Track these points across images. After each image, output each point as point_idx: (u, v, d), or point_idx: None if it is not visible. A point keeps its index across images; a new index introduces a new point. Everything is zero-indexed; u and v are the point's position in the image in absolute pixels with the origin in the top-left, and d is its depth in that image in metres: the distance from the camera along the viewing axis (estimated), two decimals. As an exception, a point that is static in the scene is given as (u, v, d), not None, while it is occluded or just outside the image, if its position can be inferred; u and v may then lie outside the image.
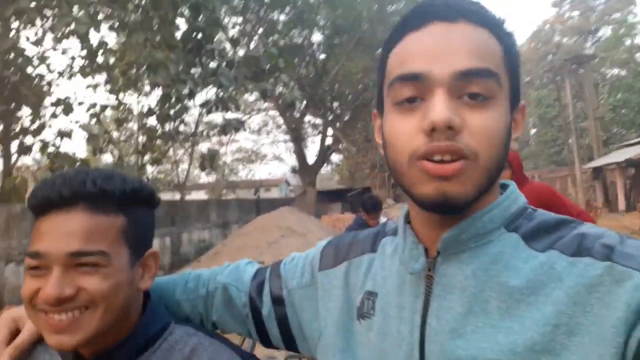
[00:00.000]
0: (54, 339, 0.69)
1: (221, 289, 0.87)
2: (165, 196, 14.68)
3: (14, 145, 9.28)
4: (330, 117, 20.44)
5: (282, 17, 17.60)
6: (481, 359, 0.54)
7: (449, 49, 0.57)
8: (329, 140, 21.91)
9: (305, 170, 20.78)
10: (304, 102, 19.08)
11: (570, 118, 21.68)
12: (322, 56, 19.09)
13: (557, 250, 0.57)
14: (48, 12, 8.24)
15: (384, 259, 0.71)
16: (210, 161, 10.42)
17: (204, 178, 32.36)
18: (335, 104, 20.42)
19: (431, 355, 0.58)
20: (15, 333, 0.81)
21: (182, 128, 10.13)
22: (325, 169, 30.17)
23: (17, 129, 9.14)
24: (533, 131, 36.67)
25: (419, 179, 0.57)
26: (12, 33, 8.59)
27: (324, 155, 21.45)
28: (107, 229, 0.72)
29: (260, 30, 17.75)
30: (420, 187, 0.58)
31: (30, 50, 8.67)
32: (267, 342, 0.85)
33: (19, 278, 6.70)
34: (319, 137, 22.60)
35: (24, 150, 9.28)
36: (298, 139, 21.19)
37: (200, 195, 26.20)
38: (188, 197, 15.61)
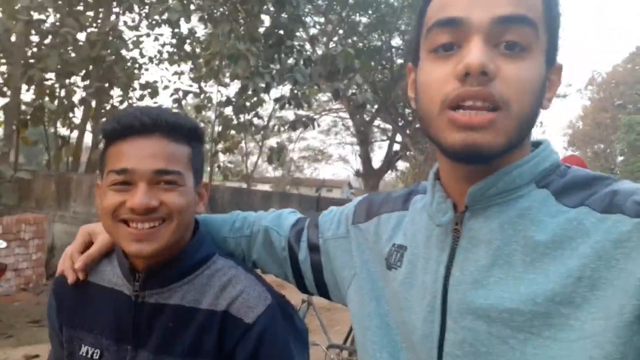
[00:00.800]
0: (135, 247, 0.79)
1: (263, 232, 0.92)
2: (232, 184, 15.23)
3: (103, 122, 10.02)
4: (401, 123, 20.18)
5: (364, 19, 17.62)
6: (500, 308, 0.55)
7: None
8: (396, 147, 21.65)
9: (369, 175, 20.66)
10: (375, 105, 18.97)
11: (665, 148, 19.87)
12: (400, 61, 18.91)
13: (588, 206, 0.56)
14: (146, 0, 8.81)
15: (415, 214, 0.72)
16: (277, 155, 10.65)
17: (271, 172, 33.16)
18: (407, 111, 20.14)
19: (452, 304, 0.59)
20: (88, 244, 0.93)
21: (255, 120, 10.43)
22: (390, 176, 29.85)
23: (108, 107, 9.87)
24: (620, 159, 34.08)
25: (447, 128, 0.57)
26: (113, 17, 9.29)
27: (390, 161, 21.21)
28: (180, 155, 0.83)
29: (341, 31, 17.89)
30: (448, 136, 0.57)
31: (127, 34, 9.29)
32: (303, 287, 0.90)
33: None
34: (387, 142, 22.38)
35: (111, 126, 9.98)
36: (365, 143, 21.12)
37: (265, 188, 26.87)
38: (254, 188, 16.07)
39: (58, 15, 8.51)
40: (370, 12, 17.19)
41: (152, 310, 0.84)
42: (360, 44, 17.52)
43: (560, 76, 0.65)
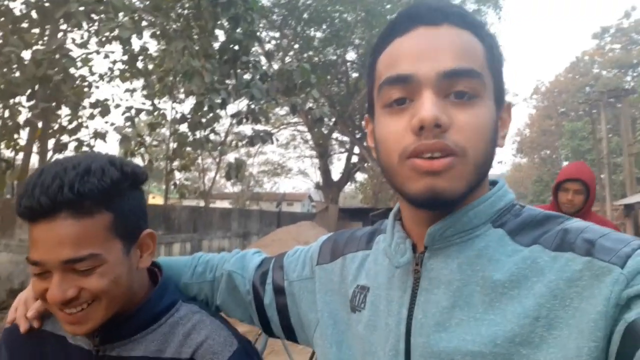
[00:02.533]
0: (69, 328, 0.76)
1: (226, 276, 0.91)
2: (190, 203, 14.90)
3: (51, 143, 9.62)
4: (358, 136, 20.46)
5: (319, 34, 17.84)
6: (463, 351, 0.55)
7: (434, 51, 0.59)
8: (355, 159, 21.90)
9: (329, 187, 20.79)
10: (333, 119, 19.17)
11: (605, 152, 21.12)
12: (355, 74, 19.22)
13: (541, 245, 0.57)
14: (95, 17, 8.57)
15: (377, 254, 0.72)
16: (236, 171, 10.53)
17: (230, 188, 32.72)
18: (364, 123, 20.46)
19: (416, 348, 0.60)
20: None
21: (212, 137, 10.29)
22: (349, 187, 30.10)
23: (55, 127, 9.47)
24: (565, 164, 35.87)
25: (410, 176, 0.59)
26: (60, 34, 8.97)
27: (348, 173, 21.43)
28: (94, 231, 0.73)
29: (296, 46, 18.03)
30: (411, 184, 0.59)
31: (75, 52, 8.99)
32: (269, 331, 0.88)
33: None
34: (345, 154, 22.62)
35: (60, 148, 9.60)
36: (324, 155, 21.27)
37: (224, 205, 26.47)
38: (212, 206, 15.80)
39: (1, 33, 8.13)
40: (324, 27, 17.44)
41: None
42: (316, 59, 17.70)
43: (510, 113, 0.68)
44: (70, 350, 0.83)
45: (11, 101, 8.64)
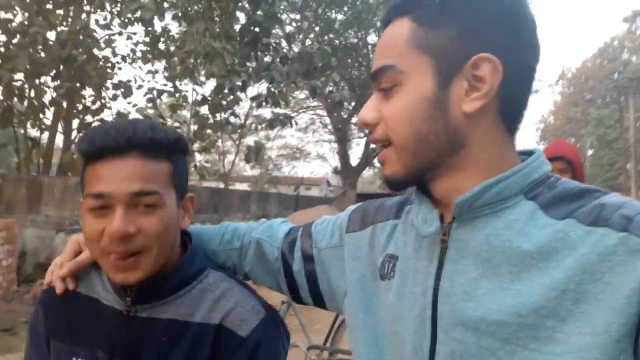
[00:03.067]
0: (120, 276, 0.79)
1: (255, 244, 0.92)
2: (210, 185, 15.08)
3: (75, 123, 9.80)
4: (378, 120, 20.27)
5: (340, 16, 17.64)
6: (489, 320, 0.56)
7: None
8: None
9: (347, 172, 20.75)
10: (353, 102, 19.04)
11: (632, 141, 20.54)
12: (376, 58, 18.96)
13: (575, 219, 0.56)
14: (117, -2, 8.63)
15: (406, 224, 0.73)
16: (255, 154, 10.59)
17: (249, 171, 32.96)
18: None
19: (443, 315, 0.61)
20: (78, 254, 0.92)
21: (232, 119, 10.34)
22: (368, 172, 30.00)
23: (80, 108, 9.64)
24: (590, 152, 35.00)
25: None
26: (84, 15, 9.07)
27: (367, 157, 21.33)
28: (159, 173, 0.80)
29: (317, 28, 17.87)
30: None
31: (99, 33, 9.08)
32: (297, 298, 0.90)
33: (68, 247, 7.06)
34: (364, 139, 22.50)
35: (84, 128, 9.78)
36: (343, 140, 21.19)
37: (243, 187, 26.69)
38: (232, 188, 15.95)
39: (26, 14, 8.26)
40: (345, 9, 17.23)
41: (145, 324, 0.83)
42: (337, 41, 17.53)
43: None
44: (103, 311, 0.86)
45: (37, 81, 8.81)
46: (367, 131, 0.68)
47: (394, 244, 0.73)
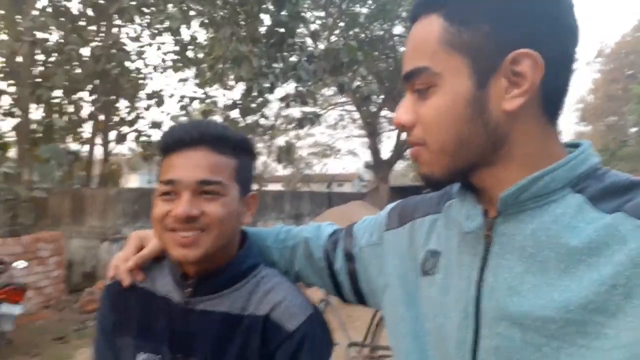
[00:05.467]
0: (180, 252, 0.83)
1: (303, 242, 0.95)
2: (244, 186, 15.26)
3: (112, 135, 10.13)
4: (408, 112, 20.01)
5: (364, 10, 17.49)
6: (534, 315, 0.55)
7: None
8: (404, 136, 21.50)
9: (379, 166, 20.59)
10: (382, 96, 18.86)
11: (680, 117, 19.49)
12: (403, 49, 18.75)
13: (625, 212, 0.54)
14: (145, 10, 8.85)
15: (448, 219, 0.71)
16: (286, 154, 10.67)
17: (281, 171, 33.23)
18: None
19: (487, 311, 0.59)
20: (140, 250, 0.97)
21: (262, 121, 10.44)
22: (400, 165, 29.70)
23: (116, 120, 9.96)
24: (633, 130, 33.46)
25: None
26: (115, 30, 9.35)
27: (399, 150, 21.08)
28: (225, 166, 0.87)
29: (342, 24, 17.79)
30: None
31: (130, 46, 9.34)
32: (341, 297, 0.92)
33: (111, 255, 7.31)
34: (395, 132, 22.26)
35: (121, 139, 10.10)
36: (373, 134, 21.03)
37: (277, 187, 26.95)
38: (265, 189, 16.13)
39: (61, 33, 8.58)
40: (369, 2, 17.06)
41: (201, 317, 0.87)
42: (362, 35, 17.40)
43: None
44: (164, 304, 0.90)
45: (74, 97, 9.15)
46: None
47: (435, 239, 0.72)
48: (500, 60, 0.58)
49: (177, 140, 0.86)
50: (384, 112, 21.77)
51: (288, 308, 0.85)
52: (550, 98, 0.60)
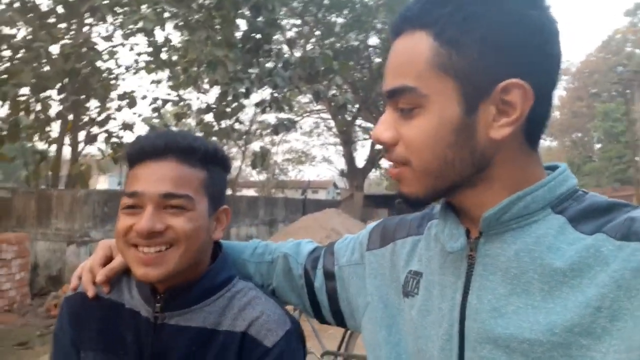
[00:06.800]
0: (142, 270, 0.79)
1: (282, 258, 0.93)
2: (216, 191, 15.09)
3: (81, 135, 9.87)
4: (383, 122, 20.25)
5: (340, 20, 17.66)
6: (520, 338, 0.54)
7: None
8: (379, 145, 21.71)
9: (354, 174, 20.73)
10: (356, 105, 19.03)
11: (639, 134, 20.37)
12: (378, 59, 18.99)
13: (605, 233, 0.55)
14: (118, 10, 8.70)
15: (430, 240, 0.71)
16: (261, 159, 10.62)
17: (255, 176, 33.00)
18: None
19: (471, 333, 0.59)
20: (109, 258, 0.92)
21: (237, 126, 10.38)
22: (374, 174, 29.94)
23: (85, 120, 9.71)
24: (597, 146, 34.71)
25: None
26: (86, 28, 9.15)
27: (373, 159, 21.29)
28: (192, 179, 0.82)
29: (318, 33, 17.91)
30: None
31: (101, 45, 9.17)
32: (320, 317, 0.89)
33: (79, 258, 7.11)
34: (370, 141, 22.47)
35: (90, 139, 9.85)
36: (348, 142, 21.18)
37: (251, 193, 26.75)
38: (239, 194, 15.99)
39: (29, 29, 8.35)
40: (345, 12, 17.24)
41: (173, 332, 0.83)
42: (338, 45, 17.54)
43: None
44: (131, 318, 0.86)
45: (42, 95, 8.89)
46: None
47: (417, 260, 0.72)
48: (491, 88, 0.57)
49: (142, 151, 0.82)
50: (359, 121, 21.97)
51: (266, 323, 0.83)
52: (534, 125, 0.61)
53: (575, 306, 0.53)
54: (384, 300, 0.74)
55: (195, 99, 10.16)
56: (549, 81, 0.60)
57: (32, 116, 8.84)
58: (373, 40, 18.80)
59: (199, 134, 10.26)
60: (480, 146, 0.59)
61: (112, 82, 9.75)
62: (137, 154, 0.83)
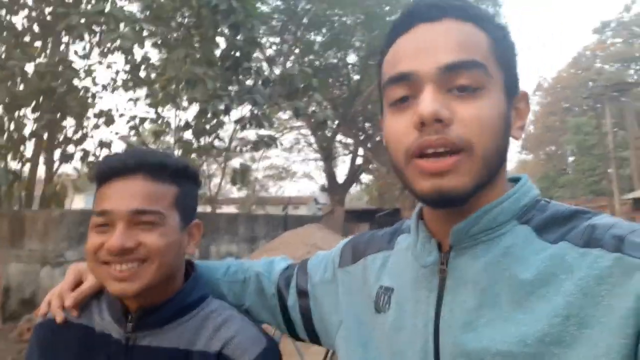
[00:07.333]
0: (117, 287, 0.79)
1: (255, 277, 0.93)
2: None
3: (57, 154, 9.68)
4: (362, 137, 20.46)
5: (319, 38, 17.88)
6: (493, 351, 0.55)
7: (432, 46, 0.59)
8: (359, 160, 21.87)
9: (335, 189, 20.76)
10: (336, 121, 19.17)
11: (611, 147, 20.99)
12: (356, 77, 19.22)
13: (569, 241, 0.56)
14: (96, 28, 8.63)
15: (400, 255, 0.72)
16: (241, 176, 10.57)
17: (235, 193, 32.77)
18: (367, 124, 20.47)
19: (445, 347, 0.59)
20: (79, 283, 0.91)
21: (216, 143, 10.33)
22: (355, 189, 30.05)
23: (61, 138, 9.53)
24: (571, 159, 35.58)
25: (416, 176, 0.59)
26: (62, 47, 9.04)
27: (353, 174, 21.40)
28: (163, 195, 0.83)
29: (297, 51, 18.07)
30: (418, 184, 0.59)
31: (78, 64, 9.06)
32: (294, 334, 0.89)
33: (53, 280, 6.91)
34: (350, 156, 22.59)
35: (66, 158, 9.66)
36: (328, 158, 21.26)
37: (231, 210, 26.52)
38: (219, 211, 15.83)
39: (4, 47, 8.21)
40: (324, 30, 17.48)
41: (145, 354, 0.83)
42: (317, 62, 17.73)
43: (527, 102, 0.66)
44: (101, 341, 0.85)
45: (16, 114, 8.71)
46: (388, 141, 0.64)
47: (387, 276, 0.72)
48: (516, 91, 0.63)
49: (112, 169, 0.83)
50: (339, 137, 22.09)
51: (241, 343, 0.83)
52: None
53: (544, 316, 0.54)
54: (358, 317, 0.74)
55: (174, 116, 10.08)
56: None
57: (5, 135, 8.64)
58: (351, 58, 19.06)
59: (178, 152, 10.20)
60: (507, 144, 0.62)
61: (89, 100, 9.61)
62: (106, 173, 0.83)
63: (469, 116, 0.57)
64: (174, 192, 0.85)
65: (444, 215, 0.63)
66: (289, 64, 16.93)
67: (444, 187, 0.57)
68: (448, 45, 0.58)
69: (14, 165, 9.53)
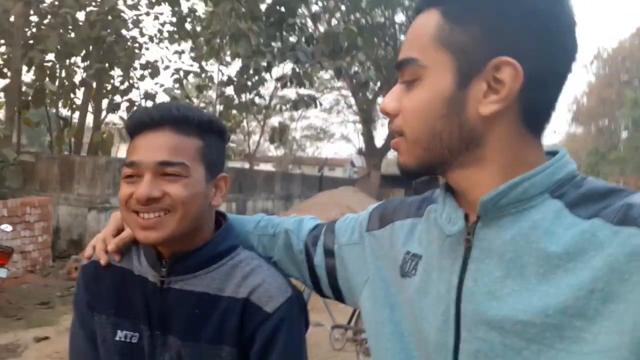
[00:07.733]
0: (142, 234, 0.84)
1: (284, 234, 0.96)
2: (235, 165, 15.24)
3: (104, 103, 10.00)
4: (404, 101, 19.98)
5: (366, -5, 17.31)
6: (513, 320, 0.56)
7: None
8: (385, 116, 21.51)
9: (372, 153, 20.62)
10: (378, 83, 18.79)
11: (670, 125, 19.72)
12: (403, 37, 18.63)
13: (602, 218, 0.55)
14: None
15: (429, 224, 0.72)
16: (280, 134, 10.66)
17: (273, 151, 33.12)
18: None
19: (466, 314, 0.60)
20: (120, 229, 0.97)
21: (257, 100, 10.39)
22: (393, 154, 29.73)
23: (109, 88, 9.81)
24: (624, 135, 33.79)
25: None
26: (112, -4, 9.14)
27: (392, 139, 21.13)
28: (187, 147, 0.86)
29: (343, 8, 17.59)
30: None
31: (127, 14, 9.17)
32: (319, 290, 0.93)
33: (99, 224, 7.30)
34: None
35: (113, 108, 9.98)
36: (368, 121, 21.00)
37: (268, 168, 26.91)
38: (256, 168, 16.10)
39: (56, -5, 8.39)
40: (373, -13, 16.87)
41: (178, 296, 0.88)
42: (363, 21, 17.23)
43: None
44: (140, 283, 0.92)
45: (67, 62, 8.99)
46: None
47: (416, 243, 0.73)
48: (484, 64, 0.59)
49: (140, 123, 0.86)
50: (380, 100, 21.69)
51: (267, 291, 0.86)
52: (530, 111, 0.62)
53: (569, 289, 0.54)
54: (385, 280, 0.76)
55: (217, 71, 10.14)
56: (551, 69, 0.61)
57: (57, 82, 8.97)
58: (399, 17, 18.40)
59: (220, 107, 10.32)
60: (470, 122, 0.61)
61: (136, 51, 9.78)
62: (135, 126, 0.87)
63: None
64: (198, 145, 0.87)
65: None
66: (334, 22, 16.56)
67: (398, 162, 0.68)
68: None
69: (64, 112, 9.95)
